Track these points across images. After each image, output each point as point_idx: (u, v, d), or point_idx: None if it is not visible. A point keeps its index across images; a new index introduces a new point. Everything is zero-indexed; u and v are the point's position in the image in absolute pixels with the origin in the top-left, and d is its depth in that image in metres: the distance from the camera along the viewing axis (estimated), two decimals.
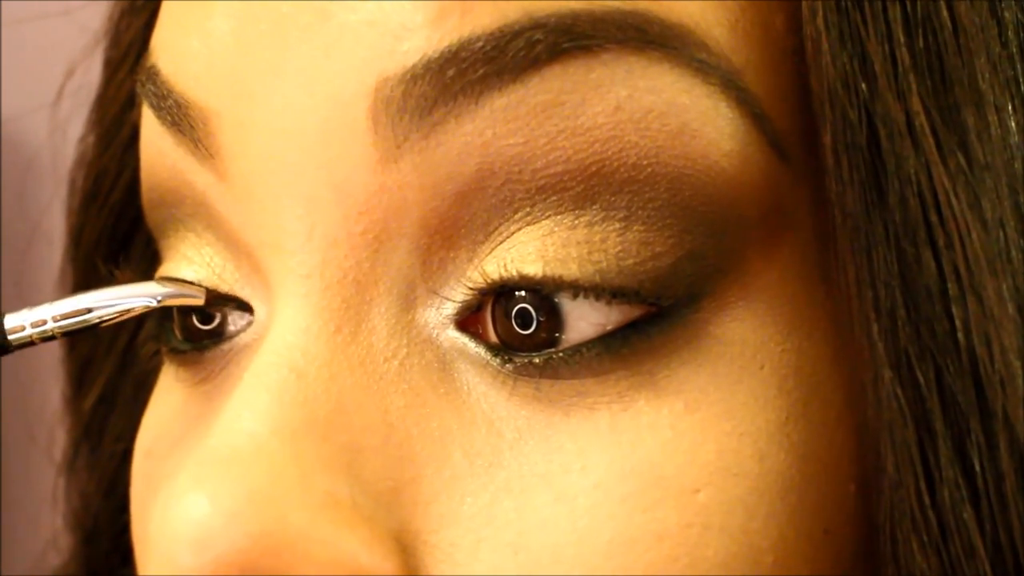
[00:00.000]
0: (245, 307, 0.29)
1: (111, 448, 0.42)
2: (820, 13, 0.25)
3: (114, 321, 0.30)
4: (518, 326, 0.26)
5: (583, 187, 0.25)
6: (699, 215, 0.25)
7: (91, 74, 0.42)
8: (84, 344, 0.42)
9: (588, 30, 0.25)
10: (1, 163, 0.63)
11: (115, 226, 0.39)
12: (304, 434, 0.25)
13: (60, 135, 0.44)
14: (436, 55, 0.25)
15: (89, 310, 0.30)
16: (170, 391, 0.32)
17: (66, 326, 0.30)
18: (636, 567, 0.25)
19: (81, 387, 0.42)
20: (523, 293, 0.26)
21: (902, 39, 0.25)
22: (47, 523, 0.46)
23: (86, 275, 0.41)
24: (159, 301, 0.29)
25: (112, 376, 0.41)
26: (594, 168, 0.25)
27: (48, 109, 0.45)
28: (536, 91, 0.25)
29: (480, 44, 0.25)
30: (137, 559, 0.32)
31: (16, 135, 0.63)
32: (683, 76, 0.25)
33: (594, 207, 0.25)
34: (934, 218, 0.24)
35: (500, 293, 0.26)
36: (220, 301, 0.29)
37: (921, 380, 0.24)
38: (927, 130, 0.24)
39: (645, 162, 0.25)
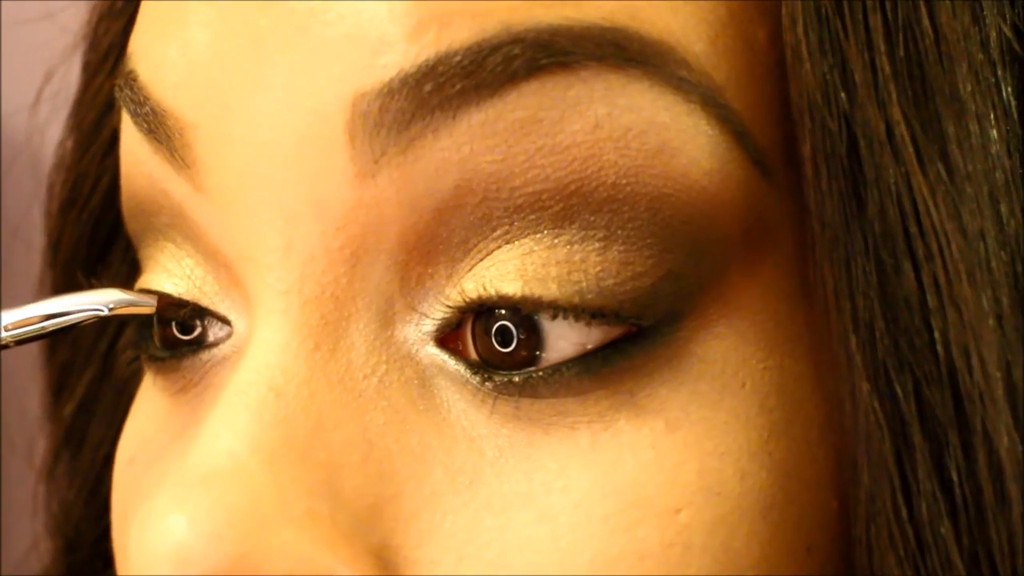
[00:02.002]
0: (224, 319, 0.29)
1: (92, 454, 0.41)
2: (800, 21, 0.25)
3: (67, 328, 0.30)
4: (498, 344, 0.26)
5: (562, 206, 0.25)
6: (679, 234, 0.25)
7: (70, 77, 0.42)
8: (63, 350, 0.41)
9: (567, 46, 0.24)
10: None
11: (94, 232, 0.39)
12: (283, 453, 0.25)
13: (39, 138, 0.44)
14: (413, 69, 0.24)
15: (44, 318, 0.30)
16: (150, 399, 0.31)
17: (19, 335, 0.30)
18: None
19: (61, 393, 0.42)
20: (503, 311, 0.25)
21: (883, 47, 0.25)
22: (27, 530, 0.46)
23: (66, 281, 0.40)
24: (110, 310, 0.30)
25: (92, 382, 0.41)
26: (573, 187, 0.25)
27: (27, 112, 0.44)
28: (514, 107, 0.25)
29: (458, 59, 0.24)
30: (117, 565, 0.31)
31: None
32: (663, 94, 0.25)
33: (573, 226, 0.25)
34: (914, 229, 0.24)
35: (480, 311, 0.26)
36: (179, 312, 0.29)
37: (899, 392, 0.24)
38: (907, 139, 0.24)
39: (624, 181, 0.25)
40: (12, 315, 0.30)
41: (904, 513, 0.24)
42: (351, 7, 0.25)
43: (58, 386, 0.42)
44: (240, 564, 0.24)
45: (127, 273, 0.38)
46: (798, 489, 0.26)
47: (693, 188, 0.25)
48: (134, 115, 0.28)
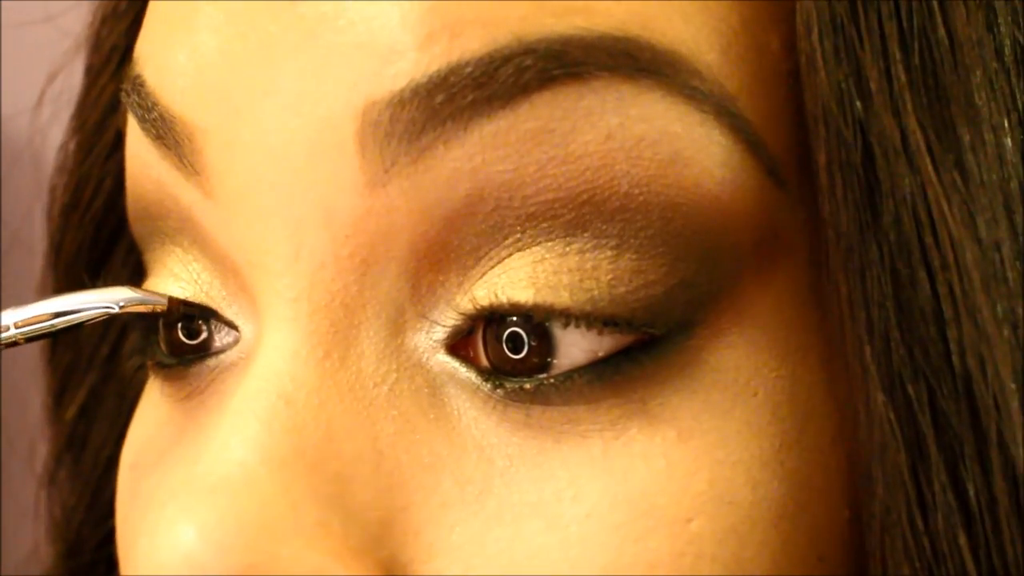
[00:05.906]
0: (232, 324, 0.28)
1: (93, 458, 0.41)
2: (815, 29, 0.25)
3: (77, 326, 0.30)
4: (509, 350, 0.25)
5: (574, 215, 0.25)
6: (692, 243, 0.25)
7: (72, 79, 0.41)
8: (65, 353, 0.41)
9: (579, 57, 0.24)
10: None
11: (96, 235, 0.39)
12: (293, 463, 0.25)
13: (40, 140, 0.44)
14: (424, 80, 0.24)
15: (53, 316, 0.30)
16: (155, 405, 0.31)
17: (29, 332, 0.29)
18: None
19: (63, 397, 0.42)
20: (514, 318, 0.25)
21: (898, 55, 0.24)
22: (28, 536, 0.46)
23: (67, 284, 0.40)
24: (121, 307, 0.29)
25: (95, 386, 0.41)
26: (585, 196, 0.25)
27: (28, 113, 0.44)
28: (525, 118, 0.24)
29: (469, 70, 0.24)
30: (122, 570, 0.31)
31: None
32: (675, 104, 0.25)
33: (585, 234, 0.25)
34: (929, 239, 0.24)
35: (491, 319, 0.26)
36: (189, 310, 0.29)
37: (914, 403, 0.24)
38: (923, 148, 0.24)
39: (636, 191, 0.25)
40: (21, 313, 0.29)
41: (920, 524, 0.24)
42: (362, 14, 0.25)
43: (60, 390, 0.42)
44: (250, 574, 0.24)
45: (128, 277, 0.38)
46: (810, 499, 0.26)
47: (706, 198, 0.25)
48: (141, 120, 0.28)
